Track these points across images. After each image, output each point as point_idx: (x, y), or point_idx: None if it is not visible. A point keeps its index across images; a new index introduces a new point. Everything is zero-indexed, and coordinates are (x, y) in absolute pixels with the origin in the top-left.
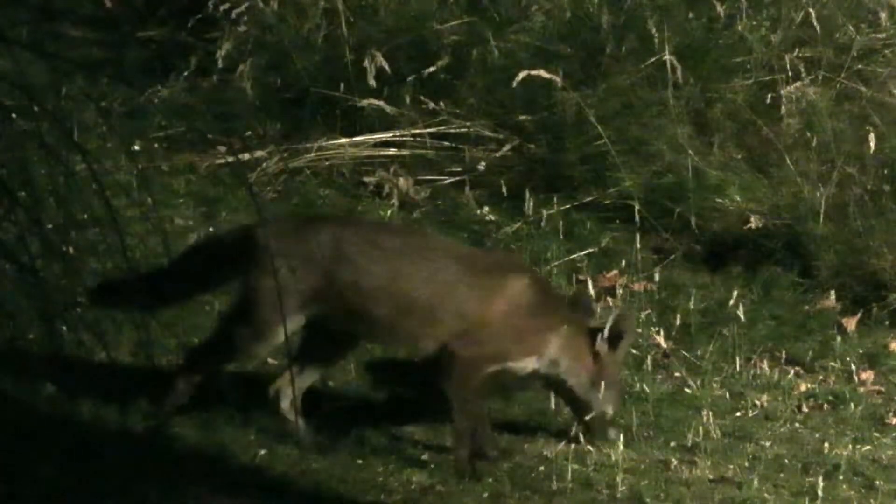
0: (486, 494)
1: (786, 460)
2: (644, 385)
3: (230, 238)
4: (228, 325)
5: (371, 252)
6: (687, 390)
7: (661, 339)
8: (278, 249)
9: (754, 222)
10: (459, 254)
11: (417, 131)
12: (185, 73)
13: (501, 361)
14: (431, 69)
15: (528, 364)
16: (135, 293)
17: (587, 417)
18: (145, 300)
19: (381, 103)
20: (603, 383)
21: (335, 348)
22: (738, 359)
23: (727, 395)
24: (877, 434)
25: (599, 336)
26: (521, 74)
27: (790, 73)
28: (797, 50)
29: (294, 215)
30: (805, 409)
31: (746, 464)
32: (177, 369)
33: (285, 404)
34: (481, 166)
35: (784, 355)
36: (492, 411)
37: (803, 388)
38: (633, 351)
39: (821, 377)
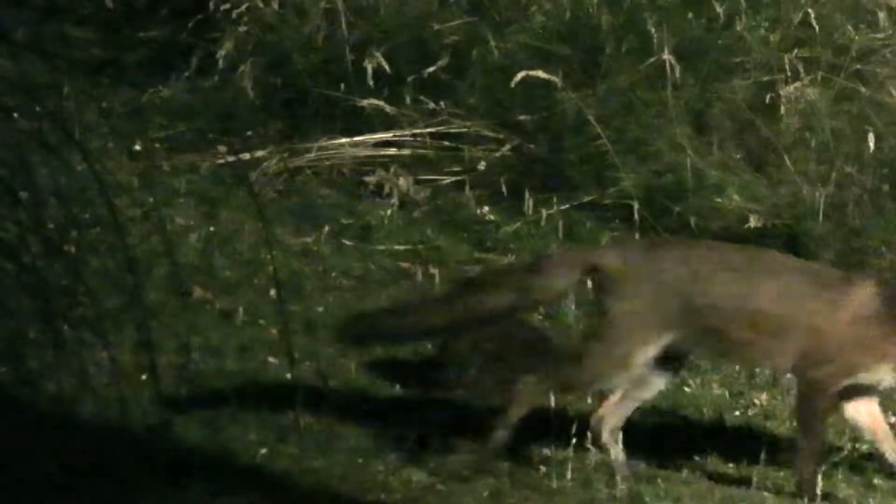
0: (486, 494)
1: (785, 459)
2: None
3: (548, 267)
4: (579, 357)
5: (723, 272)
6: (687, 390)
7: None
8: (634, 274)
9: (753, 222)
10: (803, 269)
11: (417, 131)
12: (186, 74)
13: (852, 375)
14: (431, 69)
15: (884, 374)
16: (395, 327)
17: None
18: (410, 333)
19: (382, 103)
20: None
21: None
22: None
23: (727, 394)
24: None
25: None
26: (521, 74)
27: (789, 74)
28: (796, 50)
29: (631, 240)
30: None
31: (746, 463)
32: (510, 402)
33: (606, 435)
34: (481, 166)
35: None
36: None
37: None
38: None
39: None
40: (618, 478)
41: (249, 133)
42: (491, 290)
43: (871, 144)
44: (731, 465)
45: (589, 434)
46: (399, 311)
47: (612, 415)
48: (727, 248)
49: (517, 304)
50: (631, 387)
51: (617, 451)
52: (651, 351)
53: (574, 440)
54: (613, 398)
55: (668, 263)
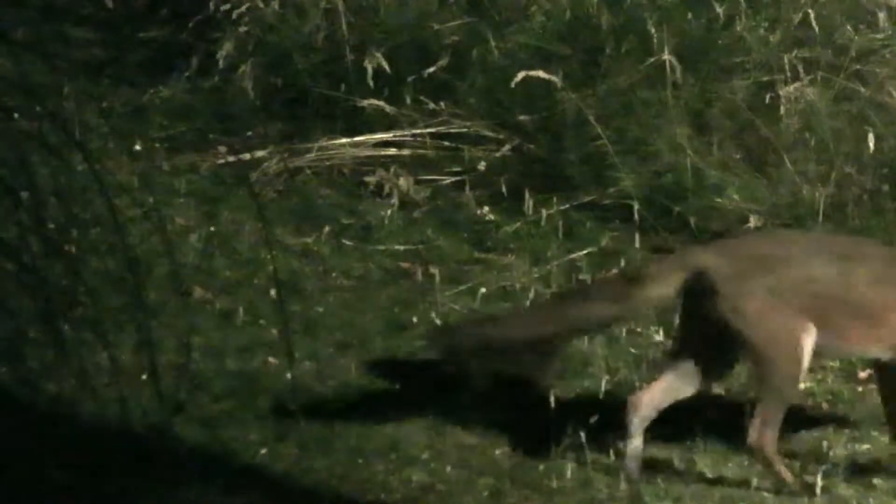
0: (485, 493)
1: (785, 459)
2: (644, 384)
3: (649, 275)
4: (767, 378)
5: (822, 258)
6: None
7: (660, 338)
8: (746, 271)
9: (753, 222)
10: None
11: (417, 131)
12: (187, 74)
13: None
14: (431, 69)
15: None
16: (491, 339)
17: None
18: (506, 345)
19: (382, 103)
20: None
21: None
22: None
23: (727, 394)
24: (875, 433)
25: None
26: (521, 74)
27: (789, 74)
28: (796, 50)
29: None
30: (804, 407)
31: (746, 463)
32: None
33: (636, 422)
34: (481, 166)
35: None
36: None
37: (802, 386)
38: (633, 350)
39: (819, 376)
40: (622, 471)
41: (249, 133)
42: (591, 302)
43: (871, 144)
44: (731, 465)
45: (625, 413)
46: (496, 322)
47: (649, 405)
48: (818, 235)
49: (618, 315)
50: (675, 381)
51: (638, 442)
52: (811, 337)
53: (574, 440)
54: (655, 387)
55: (771, 255)
